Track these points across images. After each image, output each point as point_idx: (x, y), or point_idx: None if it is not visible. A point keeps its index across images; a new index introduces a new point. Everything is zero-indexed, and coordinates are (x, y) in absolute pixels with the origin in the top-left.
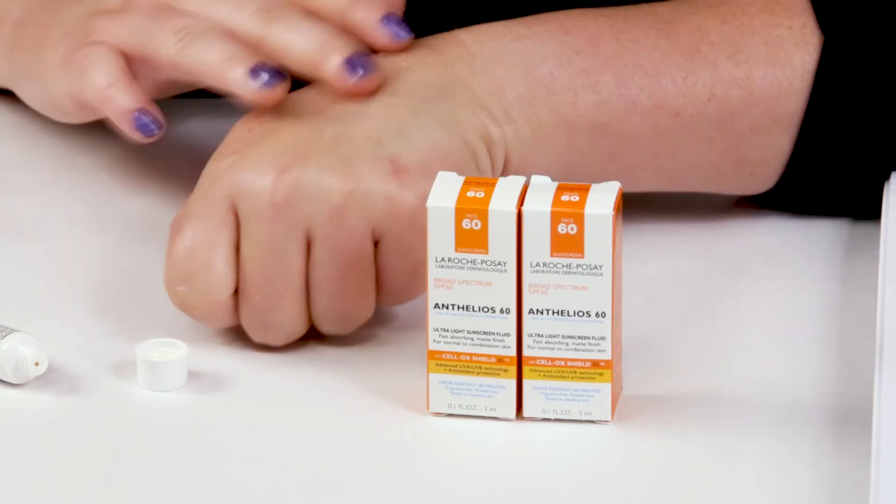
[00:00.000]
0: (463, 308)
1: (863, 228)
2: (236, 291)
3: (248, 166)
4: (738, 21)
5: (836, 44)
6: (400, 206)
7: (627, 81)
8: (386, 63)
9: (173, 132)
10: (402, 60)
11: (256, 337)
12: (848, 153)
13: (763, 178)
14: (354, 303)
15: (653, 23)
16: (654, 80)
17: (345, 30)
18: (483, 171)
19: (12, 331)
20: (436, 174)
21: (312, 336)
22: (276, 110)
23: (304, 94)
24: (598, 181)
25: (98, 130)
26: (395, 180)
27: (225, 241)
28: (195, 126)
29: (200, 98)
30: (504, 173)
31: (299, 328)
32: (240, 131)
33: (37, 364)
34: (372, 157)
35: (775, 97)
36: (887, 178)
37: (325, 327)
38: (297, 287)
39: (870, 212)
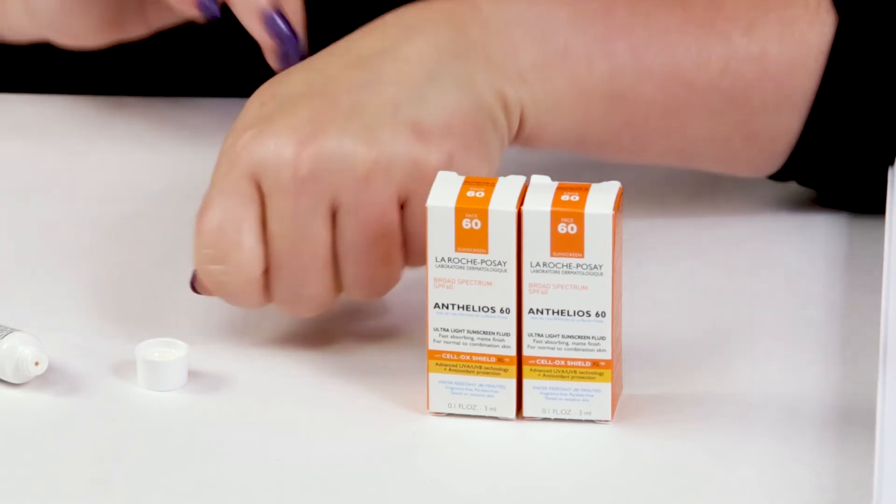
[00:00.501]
0: (463, 308)
1: (864, 229)
2: (267, 269)
3: (267, 140)
4: None
5: (851, 24)
6: (425, 167)
7: (642, 50)
8: (397, 25)
9: (173, 132)
10: (410, 22)
11: (288, 311)
12: (858, 134)
13: (771, 155)
14: (383, 269)
15: None
16: (669, 51)
17: None
18: (500, 131)
19: (12, 330)
20: (458, 135)
21: (323, 330)
22: (288, 83)
23: (312, 64)
24: (611, 150)
25: (97, 130)
26: (419, 142)
27: (252, 218)
28: (195, 126)
29: (200, 98)
30: (519, 135)
31: (330, 298)
32: (253, 106)
33: (37, 364)
34: (392, 122)
35: (788, 74)
36: (893, 162)
37: (356, 294)
38: (325, 258)
39: (872, 203)
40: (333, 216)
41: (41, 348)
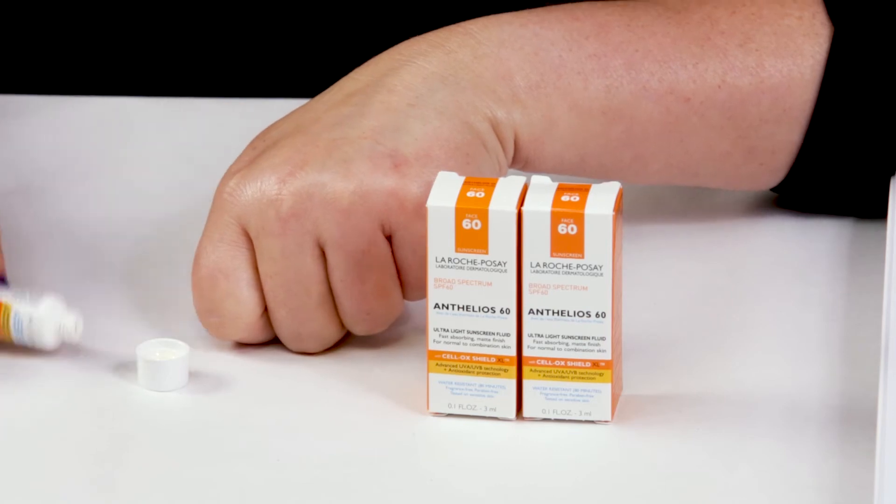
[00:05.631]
0: (463, 308)
1: (866, 230)
2: (267, 308)
3: (249, 184)
4: (748, 11)
5: (847, 35)
6: (404, 198)
7: (637, 66)
8: (388, 59)
9: (174, 132)
10: (399, 55)
11: (293, 347)
12: (858, 145)
13: (772, 169)
14: (379, 301)
15: (662, 12)
16: (665, 66)
17: None
18: (494, 154)
19: (41, 295)
20: (439, 162)
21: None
22: (279, 126)
23: (306, 105)
24: (612, 170)
25: (97, 130)
26: (396, 173)
27: (242, 264)
28: (195, 125)
29: (199, 98)
30: (517, 156)
31: (332, 334)
32: (244, 152)
33: (76, 328)
34: (370, 154)
35: (785, 87)
36: (894, 172)
37: (357, 329)
38: (319, 295)
39: (876, 210)
40: (323, 252)
41: (76, 313)
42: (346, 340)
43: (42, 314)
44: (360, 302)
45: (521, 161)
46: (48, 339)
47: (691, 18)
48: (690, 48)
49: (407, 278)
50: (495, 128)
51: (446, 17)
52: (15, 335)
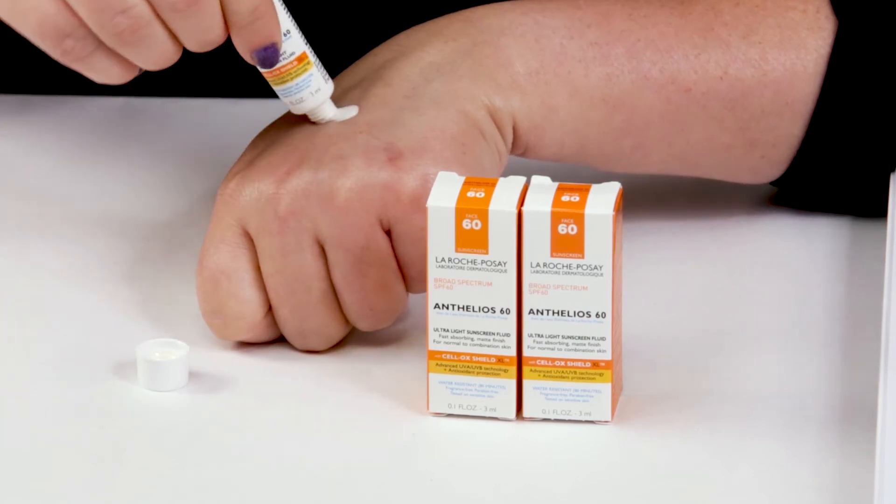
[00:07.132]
0: (463, 308)
1: (865, 229)
2: (271, 307)
3: (248, 184)
4: (752, 3)
5: (851, 29)
6: (400, 191)
7: (639, 55)
8: (386, 51)
9: (174, 132)
10: (397, 46)
11: (298, 345)
12: (860, 140)
13: (774, 162)
14: (381, 296)
15: (665, 2)
16: (666, 55)
17: None
18: (493, 143)
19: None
20: (435, 154)
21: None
22: (279, 125)
23: None
24: (613, 159)
25: (98, 130)
26: (392, 167)
27: (244, 265)
28: (196, 125)
29: (199, 98)
30: (516, 143)
31: (336, 331)
32: (247, 150)
33: (334, 116)
34: (365, 148)
35: (788, 80)
36: (894, 168)
37: (361, 325)
38: (321, 292)
39: (875, 208)
40: (323, 249)
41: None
42: (346, 340)
43: (325, 92)
44: (363, 298)
45: (520, 148)
46: (315, 109)
47: (694, 9)
48: (693, 39)
49: (409, 272)
50: (493, 115)
51: (447, 6)
52: (292, 90)
